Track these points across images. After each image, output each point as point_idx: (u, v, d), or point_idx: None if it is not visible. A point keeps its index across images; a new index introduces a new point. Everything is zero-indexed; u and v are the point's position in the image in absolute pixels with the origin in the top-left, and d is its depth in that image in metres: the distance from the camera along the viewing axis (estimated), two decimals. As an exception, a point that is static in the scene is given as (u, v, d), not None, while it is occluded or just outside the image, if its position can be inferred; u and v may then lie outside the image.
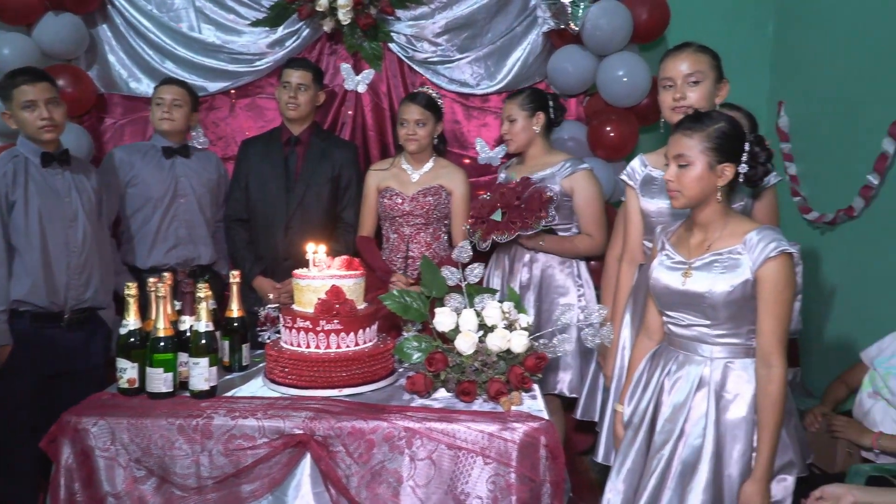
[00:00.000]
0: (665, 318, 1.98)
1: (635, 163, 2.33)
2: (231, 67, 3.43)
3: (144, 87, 3.40)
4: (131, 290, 2.08)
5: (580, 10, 3.19)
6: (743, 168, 1.83)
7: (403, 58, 3.45)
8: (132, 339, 2.06)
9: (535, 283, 2.82)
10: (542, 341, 2.18)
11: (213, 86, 3.44)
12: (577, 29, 3.21)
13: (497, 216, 2.67)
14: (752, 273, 1.78)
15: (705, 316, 1.86)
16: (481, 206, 2.75)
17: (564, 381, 2.79)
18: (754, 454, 1.80)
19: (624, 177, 2.35)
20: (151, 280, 2.15)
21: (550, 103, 2.91)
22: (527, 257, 2.84)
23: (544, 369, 2.65)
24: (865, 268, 2.93)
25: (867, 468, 2.12)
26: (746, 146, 1.83)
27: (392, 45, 3.44)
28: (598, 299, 2.77)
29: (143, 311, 2.14)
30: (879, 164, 2.76)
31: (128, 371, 2.06)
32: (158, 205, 2.99)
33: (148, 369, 2.04)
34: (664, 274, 1.93)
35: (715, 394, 1.84)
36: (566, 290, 2.81)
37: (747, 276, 1.79)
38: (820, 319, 3.20)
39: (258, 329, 2.50)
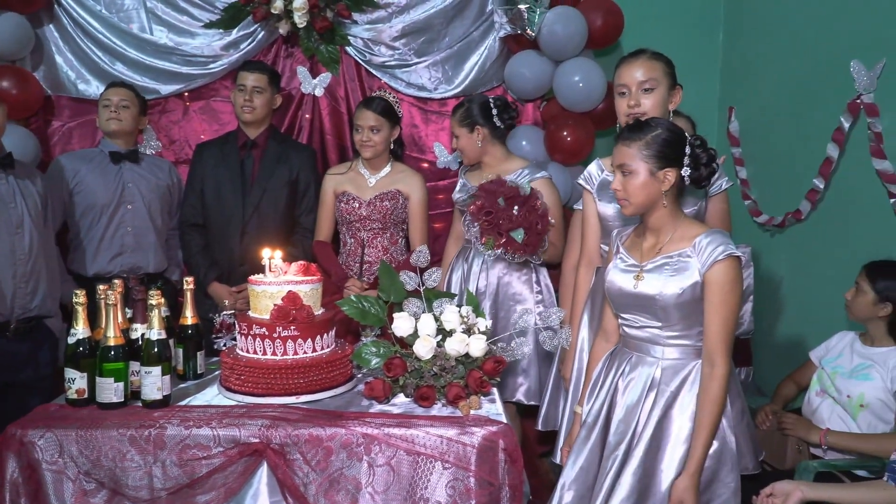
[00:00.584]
0: (620, 321, 2.01)
1: (592, 167, 2.36)
2: (184, 70, 3.37)
3: (94, 89, 3.32)
4: (80, 297, 2.02)
5: (536, 16, 3.22)
6: (686, 171, 1.86)
7: (361, 61, 3.44)
8: (81, 349, 2.00)
9: (490, 291, 2.82)
10: (500, 345, 2.19)
11: (166, 88, 3.38)
12: (533, 34, 3.24)
13: (518, 236, 2.56)
14: (701, 275, 1.82)
15: (657, 318, 1.89)
16: (499, 214, 2.55)
17: (522, 389, 2.79)
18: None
19: (581, 181, 2.38)
20: (101, 287, 2.09)
21: (494, 112, 2.81)
22: (484, 264, 2.83)
23: (505, 376, 2.66)
24: (813, 269, 3.02)
25: (815, 464, 2.18)
26: (687, 149, 1.86)
27: (349, 49, 3.42)
28: (557, 304, 2.79)
29: (92, 320, 2.08)
30: (824, 169, 2.84)
31: (76, 381, 2.00)
32: (104, 211, 2.92)
33: (98, 379, 1.99)
34: (618, 276, 1.96)
35: (665, 394, 1.87)
36: (523, 297, 2.81)
37: (696, 278, 1.83)
38: (771, 319, 3.28)
39: (213, 336, 2.46)
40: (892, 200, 2.48)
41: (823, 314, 2.88)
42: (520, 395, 2.79)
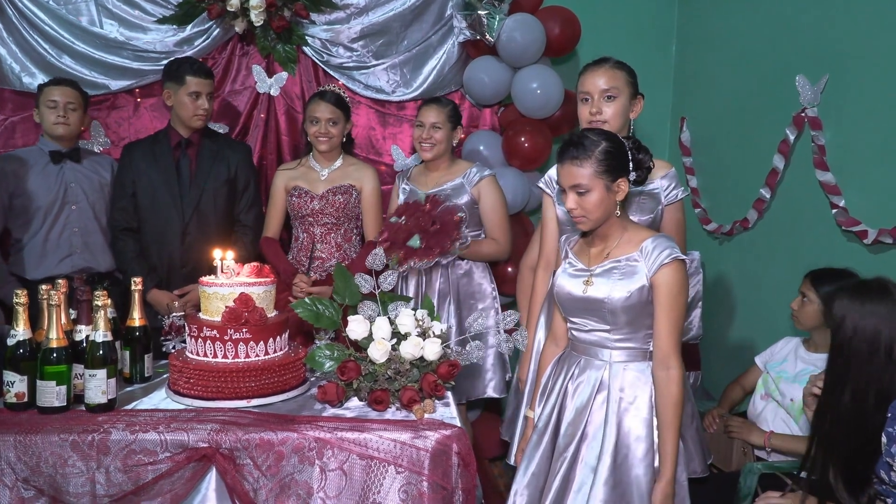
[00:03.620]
0: (569, 324, 2.03)
1: (552, 172, 2.38)
2: (135, 65, 3.28)
3: (38, 82, 3.18)
4: (21, 297, 1.95)
5: (496, 23, 3.24)
6: (632, 176, 1.92)
7: (318, 62, 3.41)
8: (21, 350, 1.94)
9: (452, 290, 2.84)
10: (455, 348, 2.19)
11: (116, 84, 3.29)
12: (492, 40, 3.26)
13: (415, 242, 2.61)
14: (648, 279, 1.86)
15: (605, 321, 1.92)
16: (395, 231, 2.66)
17: (490, 386, 2.86)
18: (656, 454, 1.86)
19: (541, 185, 2.40)
20: (44, 287, 2.02)
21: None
22: (443, 265, 2.85)
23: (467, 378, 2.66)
24: (759, 276, 3.10)
25: (760, 466, 2.24)
26: (629, 155, 1.90)
27: (307, 49, 3.39)
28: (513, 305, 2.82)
29: (35, 322, 2.01)
30: (771, 180, 2.93)
31: (16, 384, 1.93)
32: (48, 213, 2.83)
33: (38, 382, 1.92)
34: (567, 281, 1.98)
35: (614, 396, 1.90)
36: (483, 294, 2.87)
37: (644, 282, 1.86)
38: (719, 325, 3.36)
39: (162, 339, 2.39)
40: (833, 211, 2.57)
41: (769, 319, 2.97)
42: (490, 391, 2.87)
